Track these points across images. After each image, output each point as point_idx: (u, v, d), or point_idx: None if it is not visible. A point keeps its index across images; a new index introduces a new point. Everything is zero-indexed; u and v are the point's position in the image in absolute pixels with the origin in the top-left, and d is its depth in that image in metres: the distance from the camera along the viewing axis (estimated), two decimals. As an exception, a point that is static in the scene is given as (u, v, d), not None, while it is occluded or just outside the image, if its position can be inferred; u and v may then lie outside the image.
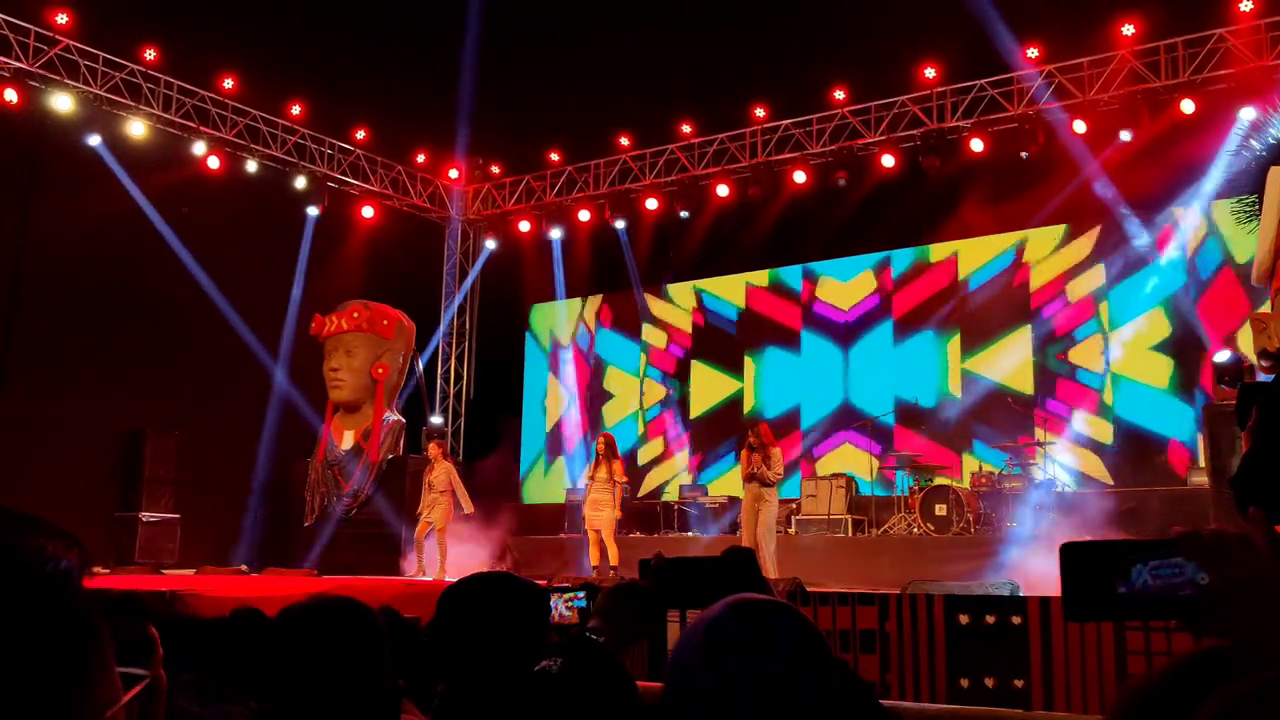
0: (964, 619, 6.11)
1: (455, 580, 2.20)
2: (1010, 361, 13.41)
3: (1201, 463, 10.74)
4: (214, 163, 13.96)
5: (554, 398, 17.08)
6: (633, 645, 2.58)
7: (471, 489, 12.84)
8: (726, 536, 12.75)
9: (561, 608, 2.63)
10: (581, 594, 2.69)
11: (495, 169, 17.05)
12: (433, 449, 12.56)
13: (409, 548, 12.90)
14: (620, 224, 15.79)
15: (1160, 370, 12.53)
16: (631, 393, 16.30)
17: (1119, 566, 1.08)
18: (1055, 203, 12.67)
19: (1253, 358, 9.69)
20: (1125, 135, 12.17)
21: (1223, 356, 10.52)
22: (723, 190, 14.78)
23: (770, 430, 10.67)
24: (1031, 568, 9.52)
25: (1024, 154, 12.65)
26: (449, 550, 12.03)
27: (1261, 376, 9.50)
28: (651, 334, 16.36)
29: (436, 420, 16.58)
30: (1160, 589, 1.06)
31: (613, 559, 11.19)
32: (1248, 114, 11.16)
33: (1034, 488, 11.45)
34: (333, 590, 2.45)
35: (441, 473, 12.23)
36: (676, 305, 16.23)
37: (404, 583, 11.57)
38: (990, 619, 6.03)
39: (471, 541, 12.63)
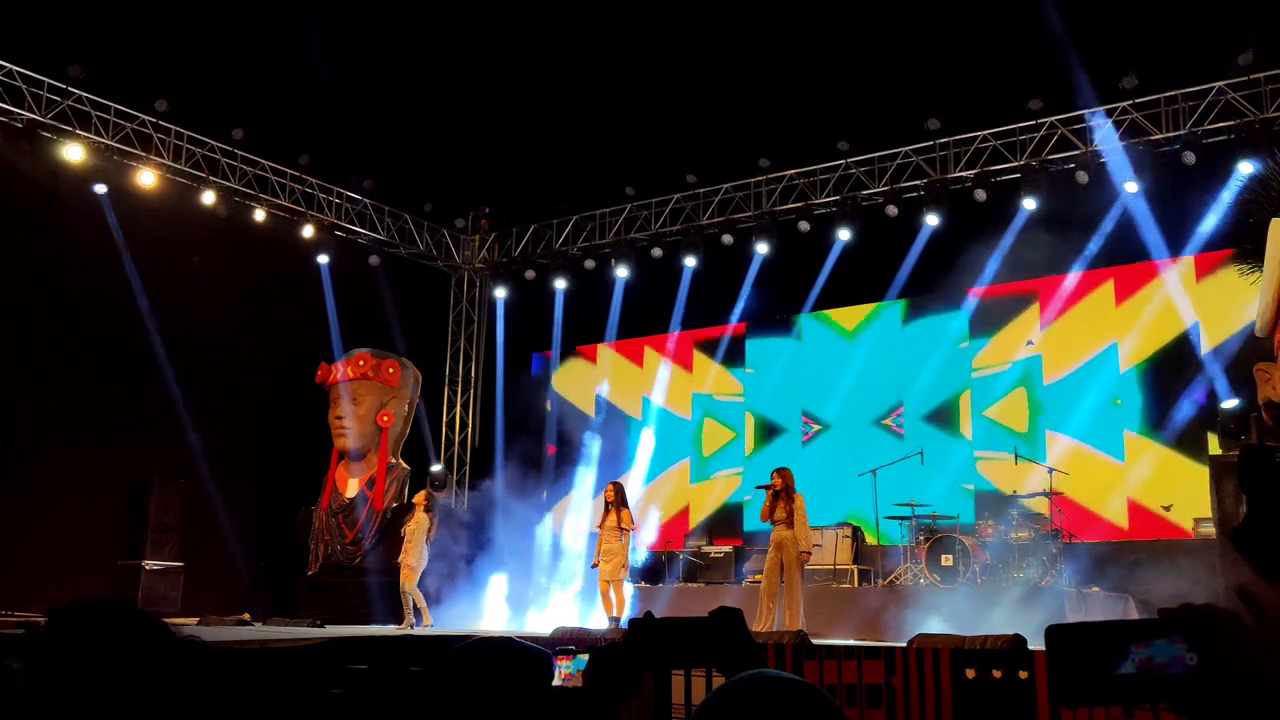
0: (971, 673, 6.06)
1: (462, 638, 2.20)
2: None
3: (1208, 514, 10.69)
4: (222, 212, 14.08)
5: (561, 446, 17.03)
6: (625, 702, 2.57)
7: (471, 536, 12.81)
8: (730, 587, 12.69)
9: (565, 670, 2.62)
10: (584, 657, 2.68)
11: (502, 217, 17.17)
12: (418, 498, 12.51)
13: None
14: (624, 272, 15.86)
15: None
16: (645, 440, 16.28)
17: (1107, 648, 1.07)
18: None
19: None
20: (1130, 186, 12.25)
21: (1230, 405, 10.50)
22: (727, 239, 14.87)
23: (791, 474, 10.61)
24: (1038, 620, 9.44)
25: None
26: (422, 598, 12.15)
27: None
28: (660, 381, 16.35)
29: (438, 468, 16.54)
30: (1149, 670, 1.05)
31: (617, 609, 11.11)
32: (1246, 167, 11.25)
33: (1041, 538, 11.38)
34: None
35: (414, 523, 12.24)
36: (682, 354, 16.25)
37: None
38: (997, 673, 5.98)
39: None
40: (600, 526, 11.46)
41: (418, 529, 12.21)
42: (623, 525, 11.28)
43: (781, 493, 10.28)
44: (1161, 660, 1.06)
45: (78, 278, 12.94)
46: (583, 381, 17.17)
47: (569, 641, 7.35)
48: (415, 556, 12.11)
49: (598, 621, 11.35)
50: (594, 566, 11.51)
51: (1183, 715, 1.06)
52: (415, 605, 12.09)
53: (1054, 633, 1.13)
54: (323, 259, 15.31)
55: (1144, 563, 11.06)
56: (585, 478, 16.04)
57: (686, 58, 13.74)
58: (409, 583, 12.07)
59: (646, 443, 16.12)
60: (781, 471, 10.62)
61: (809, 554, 10.41)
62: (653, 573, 14.07)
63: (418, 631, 11.60)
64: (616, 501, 11.40)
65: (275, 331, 14.30)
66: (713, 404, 15.94)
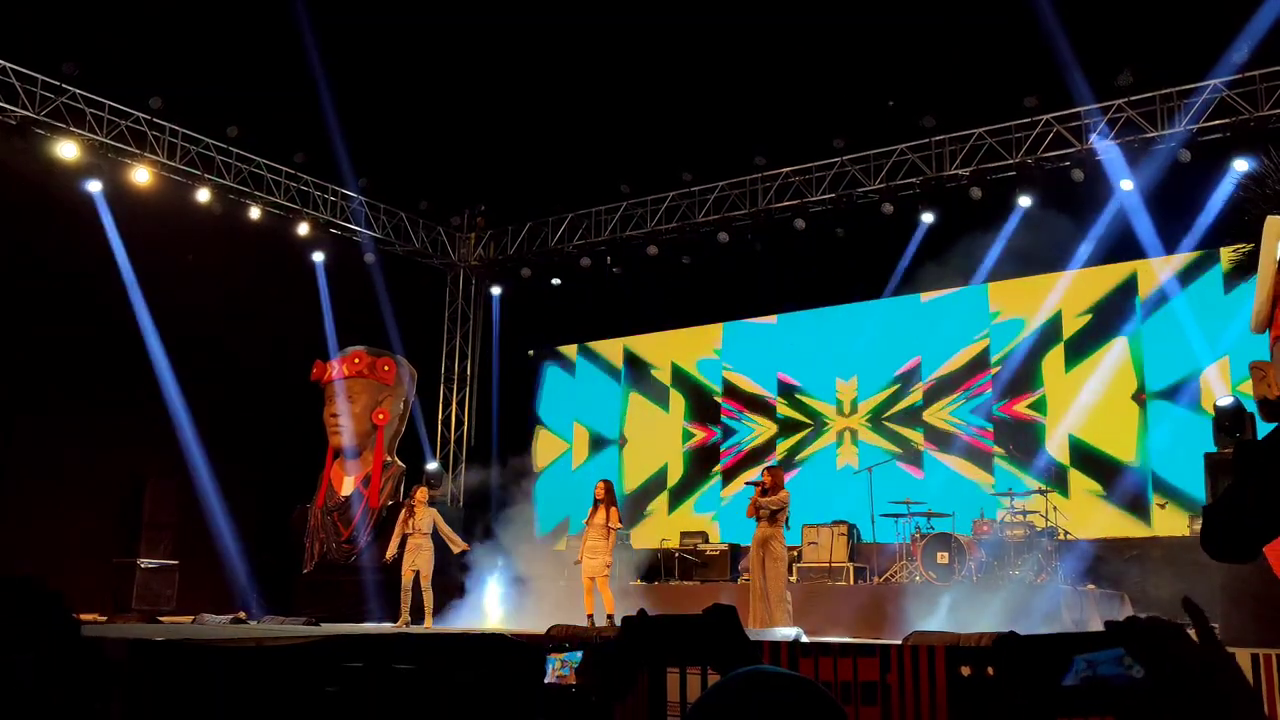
0: (966, 671, 6.04)
1: (448, 633, 2.19)
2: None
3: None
4: (217, 209, 14.06)
5: (558, 443, 17.05)
6: (620, 699, 2.56)
7: (472, 534, 12.80)
8: (726, 585, 12.69)
9: (558, 668, 2.61)
10: (579, 654, 2.68)
11: (497, 215, 17.16)
12: (420, 494, 12.46)
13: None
14: (618, 271, 15.86)
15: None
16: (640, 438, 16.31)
17: (1054, 660, 1.07)
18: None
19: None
20: (1125, 184, 12.26)
21: (1224, 402, 10.50)
22: (723, 237, 14.87)
23: (782, 473, 10.65)
24: (1035, 618, 9.46)
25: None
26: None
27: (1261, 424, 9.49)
28: (657, 378, 16.36)
29: (433, 466, 16.54)
30: (1097, 682, 1.04)
31: (608, 607, 11.09)
32: (1241, 164, 11.25)
33: (1036, 535, 11.40)
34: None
35: (426, 517, 12.17)
36: (679, 350, 16.27)
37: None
38: (992, 671, 5.96)
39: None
40: (588, 523, 11.40)
41: (430, 525, 12.17)
42: (610, 524, 11.24)
43: (769, 490, 10.28)
44: (1106, 673, 1.05)
45: (72, 275, 12.91)
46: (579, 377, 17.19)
47: (564, 639, 7.34)
48: (428, 554, 12.07)
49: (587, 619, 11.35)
50: (576, 563, 11.47)
51: None
52: (423, 605, 12.06)
53: (1003, 643, 1.13)
54: (318, 256, 15.32)
55: (1139, 560, 11.09)
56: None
57: (681, 56, 13.71)
58: (425, 580, 12.03)
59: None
60: (772, 470, 10.65)
61: (763, 512, 10.22)
62: (647, 570, 14.06)
63: (411, 629, 11.58)
64: (606, 499, 11.37)
65: (270, 329, 14.28)
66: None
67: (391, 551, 12.22)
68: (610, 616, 10.88)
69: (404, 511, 12.38)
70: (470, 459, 17.28)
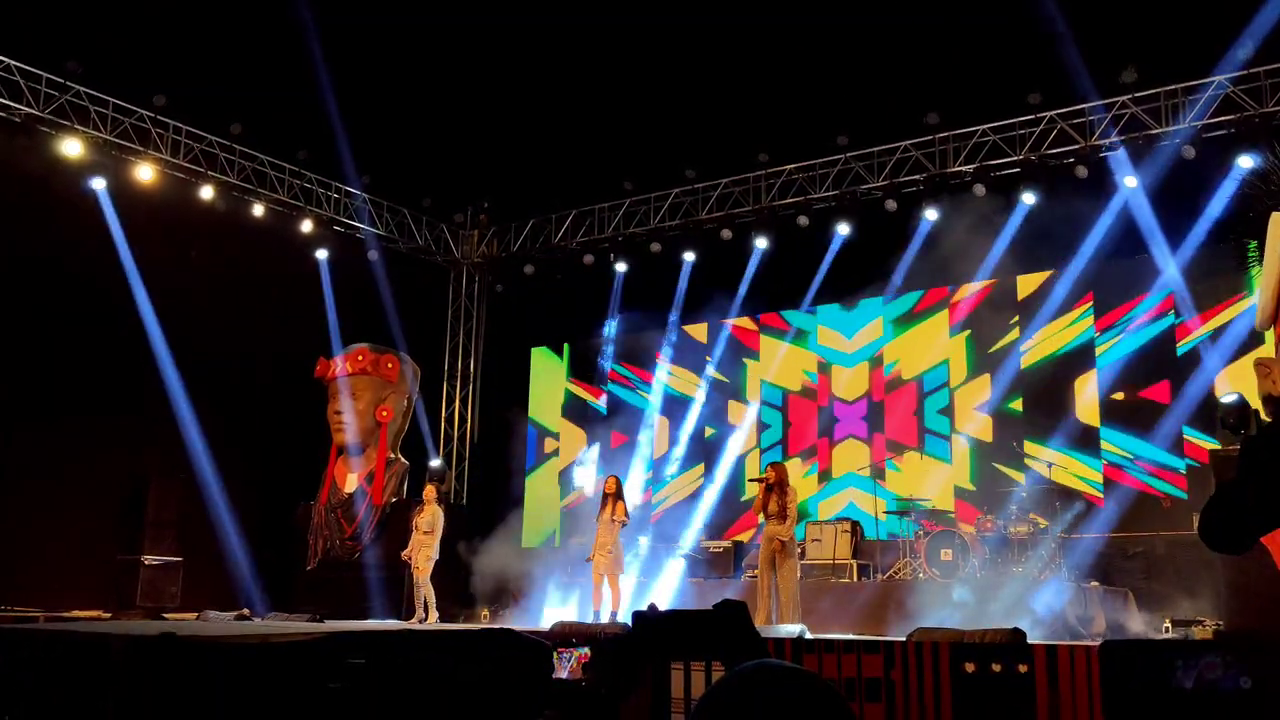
0: (970, 667, 6.05)
1: (457, 629, 2.19)
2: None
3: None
4: (221, 207, 14.07)
5: (560, 440, 17.05)
6: (627, 695, 2.56)
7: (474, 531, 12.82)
8: (729, 582, 12.69)
9: (566, 664, 2.62)
10: (586, 650, 2.68)
11: (500, 212, 17.15)
12: (428, 492, 12.58)
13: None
14: (621, 267, 15.86)
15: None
16: (642, 436, 16.31)
17: (1161, 665, 1.07)
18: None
19: (1256, 402, 9.69)
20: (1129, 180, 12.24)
21: (1229, 399, 10.48)
22: (726, 234, 14.87)
23: (786, 469, 10.68)
24: (1037, 614, 9.46)
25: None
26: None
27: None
28: (657, 376, 16.36)
29: (437, 463, 16.55)
30: (1203, 690, 1.05)
31: (613, 604, 11.10)
32: (1246, 161, 11.23)
33: (1039, 532, 11.39)
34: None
35: (428, 515, 12.28)
36: (677, 347, 16.26)
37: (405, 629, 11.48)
38: (996, 667, 5.97)
39: None
40: (598, 520, 11.43)
41: (432, 523, 12.25)
42: (615, 517, 11.25)
43: (775, 486, 10.27)
44: (1216, 679, 1.05)
45: (76, 272, 12.92)
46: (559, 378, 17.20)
47: (569, 635, 7.34)
48: (429, 551, 12.16)
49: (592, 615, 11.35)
50: (588, 561, 11.48)
51: None
52: (425, 600, 12.15)
53: (1108, 649, 1.13)
54: (321, 254, 15.33)
55: (1143, 558, 11.07)
56: (586, 472, 16.06)
57: (685, 53, 13.70)
58: (422, 576, 12.14)
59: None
60: (775, 466, 10.66)
61: (784, 543, 10.25)
62: (651, 567, 14.05)
63: (416, 625, 11.60)
64: (615, 494, 11.39)
65: (274, 326, 14.27)
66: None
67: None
68: (614, 614, 10.88)
69: (418, 508, 12.60)
70: (473, 455, 17.29)
